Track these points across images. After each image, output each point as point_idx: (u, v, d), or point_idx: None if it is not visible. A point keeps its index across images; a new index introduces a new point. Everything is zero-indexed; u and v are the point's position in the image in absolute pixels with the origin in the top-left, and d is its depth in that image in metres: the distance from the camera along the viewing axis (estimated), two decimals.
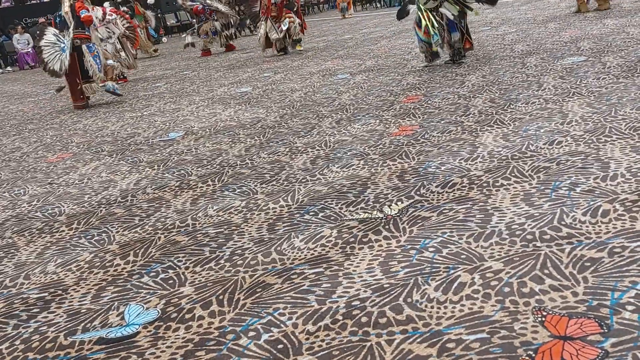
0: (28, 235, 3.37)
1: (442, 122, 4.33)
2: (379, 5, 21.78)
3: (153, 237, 3.02)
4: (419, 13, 6.53)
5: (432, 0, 6.46)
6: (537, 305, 1.88)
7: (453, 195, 2.91)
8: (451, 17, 6.41)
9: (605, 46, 6.13)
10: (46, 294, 2.55)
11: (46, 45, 7.75)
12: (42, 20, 10.52)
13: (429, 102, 5.03)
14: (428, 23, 6.42)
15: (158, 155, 4.76)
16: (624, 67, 5.06)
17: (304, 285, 2.26)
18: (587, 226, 2.34)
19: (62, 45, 7.71)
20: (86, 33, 7.93)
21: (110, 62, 8.41)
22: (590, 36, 6.91)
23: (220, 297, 2.28)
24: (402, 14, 7.08)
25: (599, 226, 2.33)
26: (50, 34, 7.82)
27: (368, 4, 22.06)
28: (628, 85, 4.45)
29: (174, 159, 4.56)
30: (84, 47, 7.78)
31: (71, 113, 7.77)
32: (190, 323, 2.13)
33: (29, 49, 18.36)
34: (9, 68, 18.33)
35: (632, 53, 5.57)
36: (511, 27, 9.00)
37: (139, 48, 13.27)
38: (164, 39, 22.46)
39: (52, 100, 9.51)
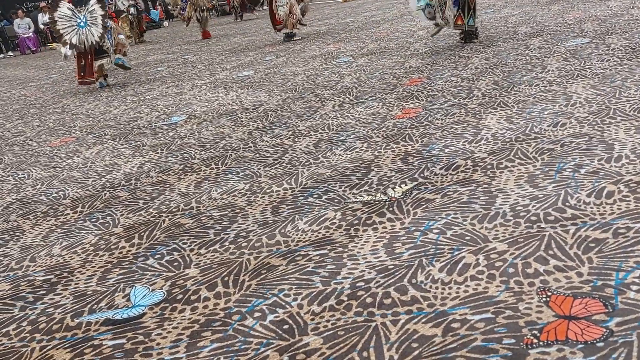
0: (33, 218, 3.38)
1: (446, 104, 4.32)
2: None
3: (157, 220, 3.03)
4: None
5: None
6: (541, 285, 1.89)
7: (457, 178, 2.91)
8: None
9: (609, 28, 6.10)
10: (52, 276, 2.57)
11: (61, 18, 7.71)
12: (42, 4, 10.47)
13: (432, 84, 5.02)
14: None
15: (161, 139, 4.76)
16: (628, 48, 5.03)
17: (309, 266, 2.27)
18: (591, 207, 2.34)
19: (78, 20, 7.70)
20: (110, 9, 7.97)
21: (121, 37, 8.40)
22: (594, 18, 6.87)
23: (226, 278, 2.29)
24: None
25: (604, 207, 2.33)
26: (65, 7, 7.79)
27: None
28: (632, 67, 4.43)
29: (177, 142, 4.56)
30: None
31: (74, 97, 7.76)
32: (196, 304, 2.14)
33: (30, 34, 18.30)
34: (10, 53, 18.28)
35: (636, 35, 5.54)
36: (514, 10, 8.95)
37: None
38: (165, 23, 22.35)
39: (54, 85, 9.50)
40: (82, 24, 7.70)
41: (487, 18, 8.54)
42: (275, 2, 10.01)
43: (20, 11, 18.31)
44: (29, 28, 18.28)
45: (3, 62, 16.41)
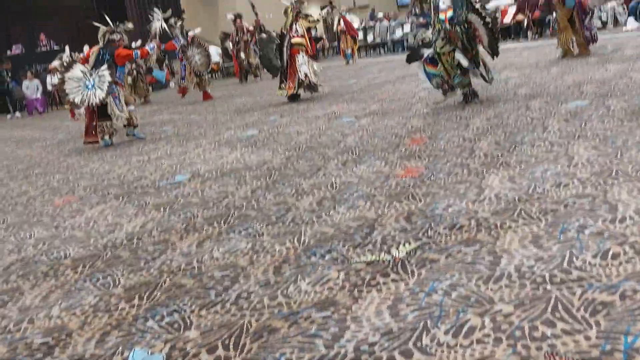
0: (33, 279, 3.35)
1: (448, 164, 4.34)
2: (382, 51, 22.07)
3: (158, 280, 3.00)
4: (437, 57, 6.64)
5: (448, 45, 6.57)
6: (549, 349, 1.85)
7: (461, 237, 2.89)
8: (465, 64, 6.50)
9: (608, 90, 6.17)
10: (50, 339, 2.52)
11: (70, 79, 8.05)
12: (51, 66, 10.65)
13: (434, 144, 5.05)
14: (447, 66, 6.63)
15: (164, 198, 4.76)
16: (627, 110, 5.08)
17: (311, 329, 2.23)
18: (597, 269, 2.32)
19: (87, 82, 8.00)
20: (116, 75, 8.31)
21: (131, 107, 8.58)
22: (593, 80, 6.97)
23: (226, 341, 2.25)
24: (413, 58, 7.17)
25: (610, 269, 2.30)
26: (78, 69, 8.12)
27: (372, 50, 22.35)
28: (633, 128, 4.46)
29: (180, 201, 4.56)
30: None
31: (79, 157, 7.82)
32: None
33: (38, 95, 18.59)
34: (17, 114, 18.51)
35: (636, 97, 5.60)
36: (514, 72, 9.09)
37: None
38: (172, 84, 22.52)
39: (60, 145, 9.59)
40: (89, 86, 7.91)
41: None
42: (295, 62, 9.99)
43: (29, 73, 18.65)
44: (38, 89, 18.58)
45: (10, 123, 16.62)
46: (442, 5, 6.72)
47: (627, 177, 3.36)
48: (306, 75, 9.89)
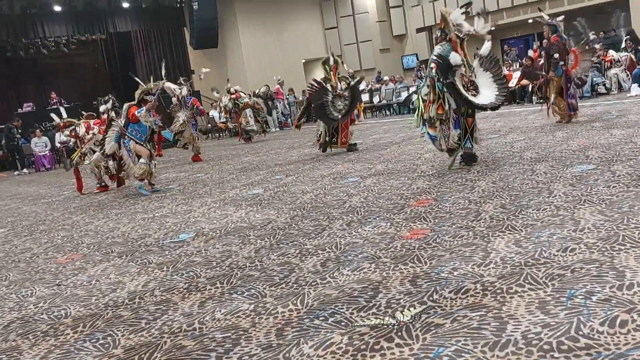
0: (32, 338, 3.30)
1: (454, 226, 4.32)
2: (388, 112, 22.31)
3: (159, 342, 2.95)
4: (419, 103, 6.84)
5: (431, 92, 6.81)
6: None
7: (467, 302, 2.85)
8: (454, 106, 6.62)
9: (613, 155, 6.19)
10: None
11: (112, 131, 9.03)
12: (60, 124, 10.80)
13: (439, 206, 5.04)
14: (429, 114, 6.81)
15: (168, 256, 4.74)
16: (633, 176, 5.08)
17: None
18: (605, 337, 2.27)
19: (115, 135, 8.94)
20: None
21: (142, 161, 8.73)
22: (599, 145, 7.00)
23: None
24: (408, 102, 7.40)
25: (618, 337, 2.26)
26: (117, 126, 9.02)
27: (378, 111, 22.61)
28: (639, 194, 4.45)
29: (183, 260, 4.54)
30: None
31: (83, 214, 7.83)
32: None
33: (47, 152, 18.77)
34: (25, 170, 18.66)
35: None
36: (519, 135, 9.15)
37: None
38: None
39: (65, 202, 9.62)
40: (116, 138, 8.94)
41: (493, 143, 8.73)
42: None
43: (38, 130, 18.90)
44: (46, 146, 18.78)
45: (17, 179, 16.73)
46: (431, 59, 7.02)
47: (634, 243, 3.34)
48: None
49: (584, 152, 6.64)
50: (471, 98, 6.64)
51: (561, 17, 10.20)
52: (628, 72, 15.10)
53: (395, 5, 27.23)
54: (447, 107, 6.73)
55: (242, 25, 25.25)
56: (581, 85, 9.94)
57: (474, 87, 6.81)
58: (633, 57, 15.35)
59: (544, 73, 10.33)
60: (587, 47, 9.92)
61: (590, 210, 4.17)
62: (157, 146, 9.77)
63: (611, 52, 15.56)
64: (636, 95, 13.23)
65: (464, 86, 6.71)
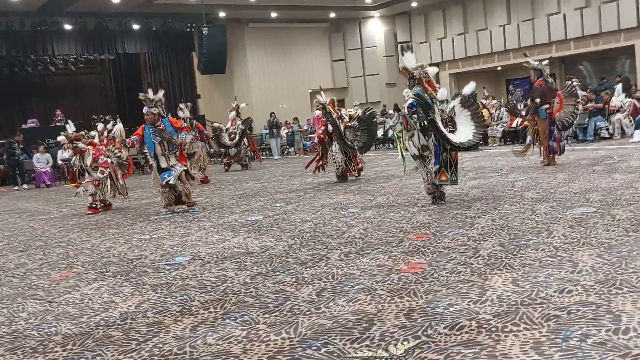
0: (21, 353, 3.27)
1: (451, 262, 4.30)
2: (391, 146, 22.38)
3: None
4: (396, 140, 7.38)
5: (405, 130, 7.16)
6: None
7: (461, 339, 2.82)
8: (413, 152, 7.09)
9: (614, 199, 6.19)
10: None
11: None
12: (65, 143, 10.73)
13: (438, 241, 5.03)
14: (403, 151, 7.27)
15: (162, 278, 4.71)
16: (633, 220, 5.07)
17: None
18: None
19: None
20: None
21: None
22: (599, 189, 7.00)
23: None
24: (386, 135, 7.65)
25: None
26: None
27: (381, 144, 22.68)
28: (638, 238, 4.44)
29: (178, 283, 4.51)
30: None
31: (81, 232, 7.81)
32: None
33: (48, 169, 18.78)
34: (25, 185, 18.65)
35: None
36: (521, 175, 9.16)
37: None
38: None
39: (63, 219, 9.60)
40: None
41: (494, 181, 8.74)
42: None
43: (41, 147, 18.93)
44: (47, 163, 18.79)
45: (17, 194, 16.72)
46: (405, 96, 7.38)
47: (631, 287, 3.32)
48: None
49: (585, 195, 6.64)
50: (449, 136, 6.87)
51: (546, 62, 10.53)
52: (631, 118, 15.18)
53: (403, 40, 27.49)
54: (419, 144, 7.01)
55: (250, 52, 25.46)
56: (566, 127, 10.10)
57: (452, 124, 7.05)
58: (637, 103, 15.43)
59: (523, 115, 10.66)
60: (571, 92, 10.11)
61: (588, 253, 4.16)
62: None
63: (612, 99, 15.66)
64: (639, 141, 13.27)
65: (442, 122, 6.92)
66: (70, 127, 10.33)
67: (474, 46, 24.53)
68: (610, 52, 21.83)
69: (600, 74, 22.00)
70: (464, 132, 6.98)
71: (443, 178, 7.01)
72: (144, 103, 8.62)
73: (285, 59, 26.26)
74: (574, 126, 10.47)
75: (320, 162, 11.39)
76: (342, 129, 10.83)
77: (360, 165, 11.40)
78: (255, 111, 24.15)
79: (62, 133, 10.59)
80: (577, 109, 10.01)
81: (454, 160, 7.04)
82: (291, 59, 26.45)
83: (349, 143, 10.73)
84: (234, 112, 16.74)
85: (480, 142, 7.15)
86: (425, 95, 6.88)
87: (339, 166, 10.88)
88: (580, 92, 10.70)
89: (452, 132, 6.91)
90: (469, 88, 7.17)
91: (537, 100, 10.10)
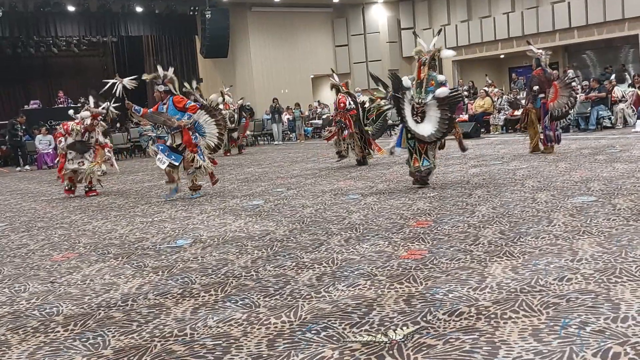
0: (22, 333, 3.29)
1: (452, 249, 4.31)
2: (392, 133, 22.36)
3: (149, 345, 2.94)
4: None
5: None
6: None
7: (460, 325, 2.84)
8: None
9: (615, 189, 6.19)
10: None
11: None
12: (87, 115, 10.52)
13: (438, 228, 5.04)
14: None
15: (164, 261, 4.73)
16: (634, 210, 5.08)
17: None
18: None
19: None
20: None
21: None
22: (600, 178, 7.00)
23: None
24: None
25: None
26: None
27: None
28: (638, 228, 4.45)
29: (179, 266, 4.53)
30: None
31: (82, 214, 7.83)
32: None
33: (50, 150, 18.79)
34: (27, 167, 18.68)
35: None
36: (522, 163, 9.16)
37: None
38: None
39: (65, 200, 9.62)
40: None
41: (495, 169, 8.74)
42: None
43: (44, 128, 18.92)
44: (50, 144, 18.80)
45: (19, 175, 16.75)
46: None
47: (631, 276, 3.33)
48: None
49: (586, 184, 6.64)
50: (410, 124, 7.20)
51: (544, 50, 10.65)
52: (634, 108, 15.15)
53: (407, 27, 27.37)
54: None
55: (253, 37, 25.36)
56: (559, 118, 10.10)
57: (422, 115, 7.30)
58: (639, 92, 15.39)
59: (523, 104, 10.74)
60: (567, 83, 10.11)
61: (589, 242, 4.17)
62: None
63: (615, 89, 15.61)
64: None
65: (413, 110, 7.27)
66: (91, 102, 10.13)
67: (477, 33, 24.43)
68: (614, 41, 21.73)
69: (604, 63, 21.92)
70: (424, 127, 7.24)
71: (416, 164, 7.41)
72: (155, 81, 8.57)
73: (287, 44, 26.15)
74: (571, 115, 10.45)
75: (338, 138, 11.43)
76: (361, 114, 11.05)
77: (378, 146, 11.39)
78: (257, 96, 24.10)
79: (86, 107, 10.31)
80: (571, 100, 10.00)
81: (422, 149, 7.34)
82: (294, 44, 26.33)
83: (368, 127, 10.90)
84: (220, 98, 16.75)
85: (439, 143, 7.42)
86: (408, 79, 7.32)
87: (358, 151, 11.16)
88: (575, 84, 10.72)
89: (416, 122, 7.24)
90: (441, 92, 7.25)
91: (535, 88, 10.13)
